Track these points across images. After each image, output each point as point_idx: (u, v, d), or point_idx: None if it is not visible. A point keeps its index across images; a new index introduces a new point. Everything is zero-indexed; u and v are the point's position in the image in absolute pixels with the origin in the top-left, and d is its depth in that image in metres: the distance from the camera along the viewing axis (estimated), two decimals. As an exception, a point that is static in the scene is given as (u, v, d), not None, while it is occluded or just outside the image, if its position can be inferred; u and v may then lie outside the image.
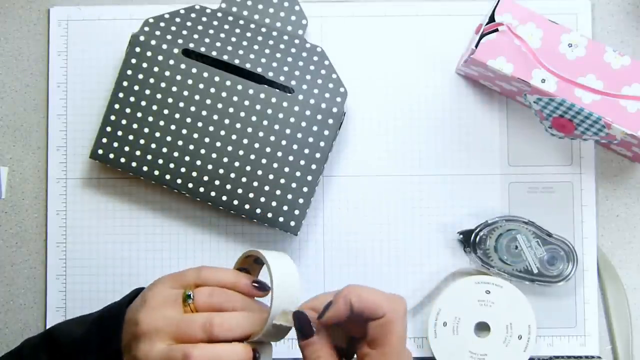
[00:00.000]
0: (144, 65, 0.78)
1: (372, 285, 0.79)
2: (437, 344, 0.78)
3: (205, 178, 0.77)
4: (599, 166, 0.81)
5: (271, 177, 0.77)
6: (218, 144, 0.77)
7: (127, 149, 0.77)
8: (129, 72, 0.78)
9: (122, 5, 0.82)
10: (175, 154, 0.77)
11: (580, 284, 0.79)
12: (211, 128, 0.77)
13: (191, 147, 0.77)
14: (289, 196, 0.77)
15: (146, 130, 0.77)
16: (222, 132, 0.77)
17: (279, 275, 0.59)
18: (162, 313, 0.60)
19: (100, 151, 0.78)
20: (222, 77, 0.77)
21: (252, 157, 0.77)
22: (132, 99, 0.77)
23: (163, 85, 0.77)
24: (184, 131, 0.77)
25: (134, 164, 0.77)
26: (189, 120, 0.77)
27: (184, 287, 0.62)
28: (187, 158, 0.77)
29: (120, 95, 0.78)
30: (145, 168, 0.77)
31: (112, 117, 0.77)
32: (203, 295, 0.61)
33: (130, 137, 0.77)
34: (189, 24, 0.78)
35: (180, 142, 0.77)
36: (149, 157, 0.77)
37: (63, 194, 0.81)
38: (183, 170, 0.77)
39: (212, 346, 0.58)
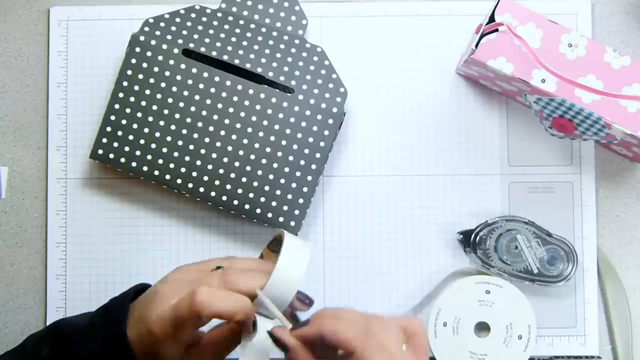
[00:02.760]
0: (144, 65, 0.78)
1: (372, 285, 0.80)
2: (437, 344, 0.78)
3: (205, 178, 0.77)
4: (599, 166, 0.81)
5: (271, 177, 0.77)
6: (218, 144, 0.77)
7: (127, 149, 0.77)
8: (129, 72, 0.78)
9: (122, 5, 0.82)
10: (175, 154, 0.77)
11: (580, 284, 0.79)
12: (211, 128, 0.77)
13: (191, 147, 0.77)
14: (289, 196, 0.77)
15: (146, 130, 0.77)
16: (222, 132, 0.77)
17: (286, 261, 0.61)
18: (186, 279, 0.62)
19: (100, 151, 0.78)
20: (222, 77, 0.77)
21: (252, 157, 0.77)
22: (132, 99, 0.77)
23: (163, 85, 0.77)
24: (184, 131, 0.77)
25: (134, 164, 0.77)
26: (189, 120, 0.77)
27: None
28: (187, 158, 0.77)
29: (120, 95, 0.78)
30: (145, 168, 0.77)
31: (112, 117, 0.77)
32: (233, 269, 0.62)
33: (130, 137, 0.77)
34: (189, 24, 0.78)
35: (180, 142, 0.77)
36: (149, 157, 0.77)
37: (63, 194, 0.81)
38: (183, 170, 0.77)
39: (218, 289, 0.59)
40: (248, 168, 0.77)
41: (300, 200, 0.77)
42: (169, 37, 0.78)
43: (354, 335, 0.57)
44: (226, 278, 0.60)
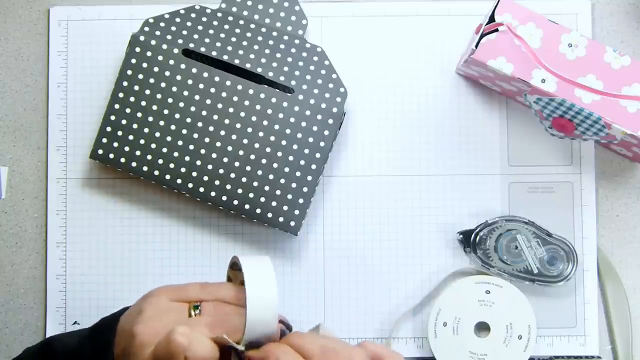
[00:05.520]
0: (144, 65, 0.78)
1: (372, 285, 0.80)
2: (437, 344, 0.78)
3: (205, 178, 0.77)
4: (599, 166, 0.81)
5: (271, 177, 0.77)
6: (218, 144, 0.77)
7: (127, 149, 0.77)
8: (129, 72, 0.78)
9: (122, 5, 0.82)
10: (175, 154, 0.77)
11: (580, 284, 0.79)
12: (211, 128, 0.77)
13: (191, 147, 0.77)
14: (289, 196, 0.77)
15: (146, 130, 0.77)
16: (222, 132, 0.77)
17: (253, 300, 0.59)
18: (164, 320, 0.60)
19: (100, 151, 0.78)
20: (222, 77, 0.77)
21: (252, 157, 0.77)
22: (132, 99, 0.77)
23: (163, 85, 0.77)
24: (184, 131, 0.77)
25: (134, 164, 0.77)
26: (189, 120, 0.77)
27: (185, 301, 0.62)
28: (187, 158, 0.77)
29: (120, 95, 0.78)
30: (145, 168, 0.77)
31: (112, 117, 0.77)
32: (209, 307, 0.61)
33: (130, 137, 0.77)
34: (189, 24, 0.78)
35: (180, 142, 0.77)
36: (149, 157, 0.77)
37: (63, 194, 0.81)
38: (183, 170, 0.77)
39: (195, 332, 0.58)
40: (248, 168, 0.77)
41: (300, 200, 0.77)
42: (169, 37, 0.78)
43: None
44: (214, 329, 0.59)
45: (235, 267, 0.66)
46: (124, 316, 0.62)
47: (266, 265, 0.61)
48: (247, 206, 0.77)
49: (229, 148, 0.77)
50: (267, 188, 0.77)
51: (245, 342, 0.59)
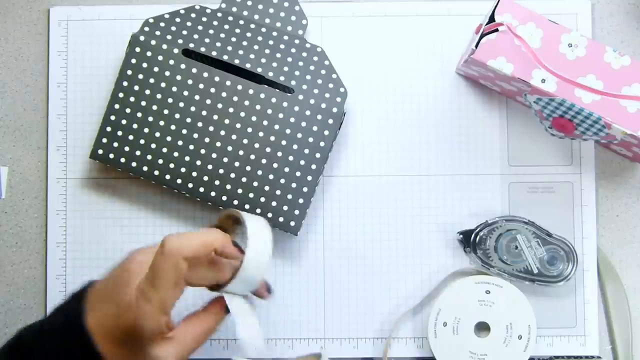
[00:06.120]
0: (144, 65, 0.78)
1: (372, 285, 0.80)
2: (437, 344, 0.78)
3: (205, 178, 0.77)
4: (599, 166, 0.81)
5: (271, 177, 0.77)
6: (218, 144, 0.77)
7: (127, 149, 0.77)
8: (129, 72, 0.78)
9: (122, 5, 0.82)
10: (175, 154, 0.77)
11: (580, 284, 0.79)
12: (211, 128, 0.77)
13: (191, 147, 0.77)
14: (289, 196, 0.77)
15: (146, 130, 0.77)
16: (222, 132, 0.77)
17: (254, 242, 0.63)
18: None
19: (100, 151, 0.78)
20: (222, 77, 0.77)
21: (252, 157, 0.77)
22: (132, 99, 0.77)
23: (163, 85, 0.77)
24: (184, 131, 0.77)
25: (134, 164, 0.77)
26: (189, 120, 0.77)
27: None
28: (187, 158, 0.77)
29: (120, 95, 0.78)
30: (145, 168, 0.77)
31: (112, 117, 0.77)
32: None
33: (130, 137, 0.77)
34: (189, 24, 0.78)
35: (180, 142, 0.77)
36: (149, 157, 0.77)
37: (63, 194, 0.81)
38: (183, 170, 0.77)
39: (183, 233, 0.59)
40: (248, 168, 0.77)
41: (300, 200, 0.77)
42: (169, 37, 0.78)
43: None
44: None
45: (229, 221, 0.69)
46: (97, 283, 0.62)
47: (266, 226, 0.65)
48: (247, 206, 0.77)
49: (229, 148, 0.77)
50: (267, 188, 0.77)
51: (231, 287, 0.63)
